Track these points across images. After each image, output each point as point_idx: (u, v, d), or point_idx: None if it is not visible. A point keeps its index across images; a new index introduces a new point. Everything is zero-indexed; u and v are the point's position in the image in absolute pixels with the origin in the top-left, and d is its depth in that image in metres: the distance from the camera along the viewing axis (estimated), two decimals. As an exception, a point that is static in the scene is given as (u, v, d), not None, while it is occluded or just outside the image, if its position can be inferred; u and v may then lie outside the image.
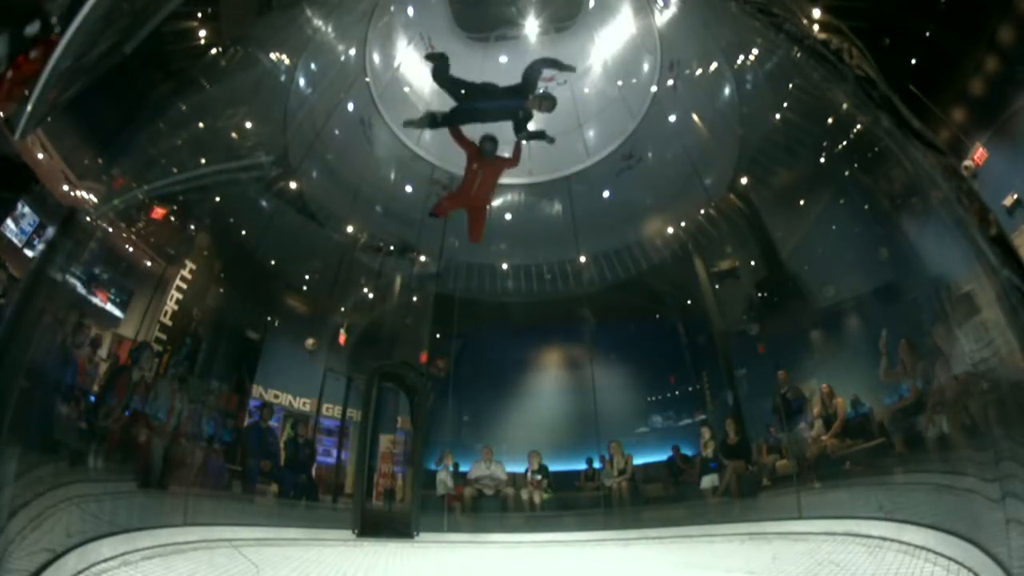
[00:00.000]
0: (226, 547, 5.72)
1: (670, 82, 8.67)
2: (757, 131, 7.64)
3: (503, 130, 6.86)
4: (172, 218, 6.74)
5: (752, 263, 8.49)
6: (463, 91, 6.77)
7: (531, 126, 7.09)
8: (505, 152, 7.00)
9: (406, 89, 9.33)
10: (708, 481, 8.00)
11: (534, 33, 9.58)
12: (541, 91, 6.83)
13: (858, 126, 5.81)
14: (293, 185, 8.49)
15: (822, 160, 6.68)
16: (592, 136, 9.73)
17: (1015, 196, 4.35)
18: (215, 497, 6.93)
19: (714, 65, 8.02)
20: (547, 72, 9.34)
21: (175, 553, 5.04)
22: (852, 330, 6.56)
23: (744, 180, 8.18)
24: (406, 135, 9.31)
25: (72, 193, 5.10)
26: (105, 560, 4.21)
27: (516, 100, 6.72)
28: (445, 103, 7.19)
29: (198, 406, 6.95)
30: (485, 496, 8.82)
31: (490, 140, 6.85)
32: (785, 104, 6.97)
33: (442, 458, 9.10)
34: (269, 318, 8.62)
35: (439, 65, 6.93)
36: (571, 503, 8.78)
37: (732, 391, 8.59)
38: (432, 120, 7.08)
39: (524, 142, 7.10)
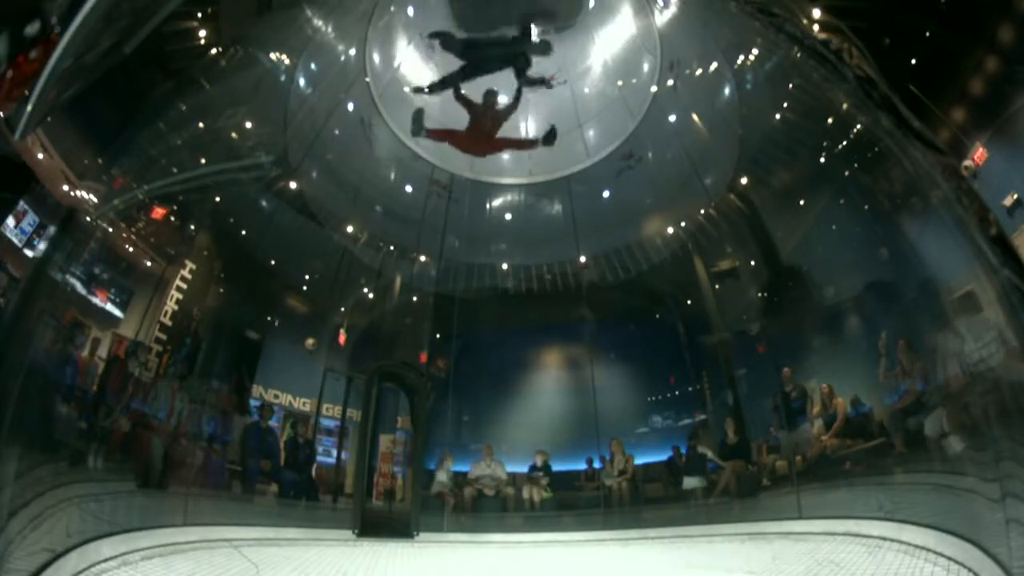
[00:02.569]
0: (226, 547, 5.72)
1: (670, 82, 8.67)
2: (757, 131, 7.65)
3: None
4: (172, 218, 6.74)
5: (752, 263, 8.49)
6: (471, 48, 7.86)
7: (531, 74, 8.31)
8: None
9: (406, 89, 9.32)
10: (690, 483, 8.04)
11: (534, 33, 9.57)
12: (537, 41, 7.88)
13: (858, 126, 5.81)
14: (293, 185, 8.49)
15: (822, 160, 6.68)
16: (592, 136, 9.72)
17: (1015, 196, 4.34)
18: (215, 497, 6.93)
19: (714, 65, 8.02)
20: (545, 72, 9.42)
21: (175, 553, 5.04)
22: (852, 330, 6.54)
23: (744, 180, 8.18)
24: (406, 135, 9.31)
25: (72, 193, 5.09)
26: (105, 560, 4.22)
27: (516, 46, 7.50)
28: (445, 94, 7.82)
29: (198, 406, 6.95)
30: (485, 496, 8.82)
31: (491, 93, 7.73)
32: (785, 104, 6.97)
33: (443, 460, 9.11)
34: (269, 318, 8.62)
35: (446, 38, 8.11)
36: (571, 503, 8.78)
37: (732, 391, 8.59)
38: (443, 83, 7.72)
39: (525, 88, 8.20)
